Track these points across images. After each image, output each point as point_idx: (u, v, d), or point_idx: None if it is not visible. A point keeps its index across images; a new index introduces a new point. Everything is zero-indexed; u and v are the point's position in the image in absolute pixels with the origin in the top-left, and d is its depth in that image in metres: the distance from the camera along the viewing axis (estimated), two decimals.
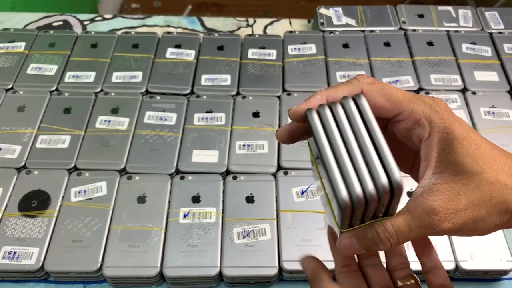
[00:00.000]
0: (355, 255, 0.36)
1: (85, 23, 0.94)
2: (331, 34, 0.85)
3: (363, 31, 0.86)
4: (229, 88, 0.77)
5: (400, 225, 0.29)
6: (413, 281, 0.34)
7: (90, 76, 0.78)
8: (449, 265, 0.57)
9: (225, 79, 0.78)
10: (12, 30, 0.87)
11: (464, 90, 0.77)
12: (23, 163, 0.67)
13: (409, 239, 0.30)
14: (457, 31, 0.86)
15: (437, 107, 0.30)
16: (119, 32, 0.87)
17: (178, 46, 0.84)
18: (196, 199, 0.63)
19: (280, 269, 0.57)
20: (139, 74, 0.79)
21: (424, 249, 0.36)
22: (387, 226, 0.30)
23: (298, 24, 0.95)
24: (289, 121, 0.33)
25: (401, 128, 0.32)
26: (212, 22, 0.95)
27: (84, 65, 0.80)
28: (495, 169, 0.29)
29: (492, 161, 0.30)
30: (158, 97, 0.75)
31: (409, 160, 0.35)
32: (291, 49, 0.83)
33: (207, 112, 0.73)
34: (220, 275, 0.57)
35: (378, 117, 0.30)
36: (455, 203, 0.29)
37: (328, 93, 0.31)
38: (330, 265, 0.37)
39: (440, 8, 0.91)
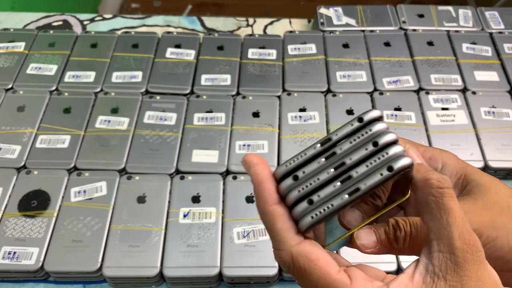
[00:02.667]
0: None
1: (85, 23, 0.94)
2: (331, 34, 0.85)
3: (363, 31, 0.86)
4: (229, 88, 0.77)
5: (416, 220, 0.29)
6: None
7: (90, 76, 0.78)
8: None
9: (225, 79, 0.78)
10: (12, 30, 0.87)
11: (464, 90, 0.77)
12: (23, 163, 0.67)
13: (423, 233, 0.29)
14: (457, 31, 0.86)
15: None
16: (119, 32, 0.87)
17: (178, 46, 0.83)
18: (196, 199, 0.63)
19: (280, 269, 0.57)
20: (139, 74, 0.79)
21: None
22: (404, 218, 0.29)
23: (298, 24, 0.95)
24: None
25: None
26: (212, 22, 0.95)
27: (84, 65, 0.80)
28: None
29: None
30: (158, 97, 0.75)
31: None
32: (291, 49, 0.83)
33: (207, 112, 0.73)
34: (220, 275, 0.57)
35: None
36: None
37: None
38: None
39: (440, 8, 0.91)
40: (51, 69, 0.79)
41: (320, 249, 0.27)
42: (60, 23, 0.93)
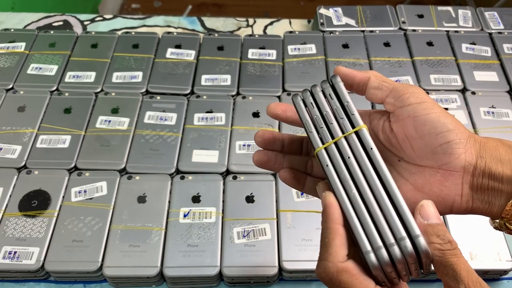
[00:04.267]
0: None
1: (85, 23, 0.94)
2: (331, 34, 0.86)
3: (363, 31, 0.86)
4: (229, 88, 0.77)
5: None
6: None
7: (90, 76, 0.79)
8: None
9: (225, 79, 0.78)
10: (12, 30, 0.87)
11: (463, 90, 0.77)
12: (23, 163, 0.67)
13: None
14: (456, 31, 0.86)
15: None
16: (119, 32, 0.87)
17: (178, 46, 0.84)
18: (196, 199, 0.63)
19: (280, 269, 0.57)
20: (139, 74, 0.79)
21: None
22: None
23: (298, 24, 0.95)
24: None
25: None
26: (212, 22, 0.95)
27: (85, 65, 0.80)
28: None
29: None
30: (158, 97, 0.75)
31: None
32: (291, 49, 0.83)
33: (207, 112, 0.73)
34: (220, 275, 0.58)
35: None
36: None
37: None
38: None
39: (440, 8, 0.91)
40: (52, 69, 0.79)
41: (359, 269, 0.31)
42: (61, 23, 0.94)
